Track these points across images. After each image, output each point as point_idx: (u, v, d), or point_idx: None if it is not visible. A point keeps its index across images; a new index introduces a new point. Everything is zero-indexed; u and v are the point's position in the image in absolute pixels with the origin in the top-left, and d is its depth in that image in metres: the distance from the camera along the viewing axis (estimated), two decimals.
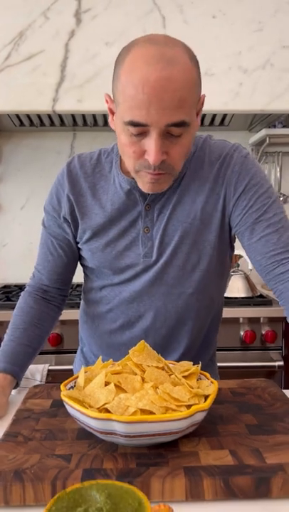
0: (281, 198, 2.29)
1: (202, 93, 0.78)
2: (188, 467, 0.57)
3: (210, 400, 0.62)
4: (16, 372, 0.86)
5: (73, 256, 0.96)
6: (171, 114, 0.69)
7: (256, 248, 0.83)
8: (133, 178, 0.84)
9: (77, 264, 0.99)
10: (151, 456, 0.60)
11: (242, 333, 1.74)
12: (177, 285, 0.89)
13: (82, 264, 0.99)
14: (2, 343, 0.91)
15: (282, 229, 0.82)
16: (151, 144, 0.72)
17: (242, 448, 0.61)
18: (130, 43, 0.74)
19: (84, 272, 1.00)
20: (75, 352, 1.13)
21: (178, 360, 0.86)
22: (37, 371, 1.63)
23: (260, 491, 0.55)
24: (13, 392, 1.64)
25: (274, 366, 1.72)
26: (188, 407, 0.61)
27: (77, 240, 0.93)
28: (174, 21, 1.81)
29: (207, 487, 0.55)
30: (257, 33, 1.82)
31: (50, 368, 1.65)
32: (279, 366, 1.71)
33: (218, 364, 1.66)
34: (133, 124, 0.71)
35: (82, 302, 1.05)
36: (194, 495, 0.55)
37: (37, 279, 0.98)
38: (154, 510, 0.47)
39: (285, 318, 1.73)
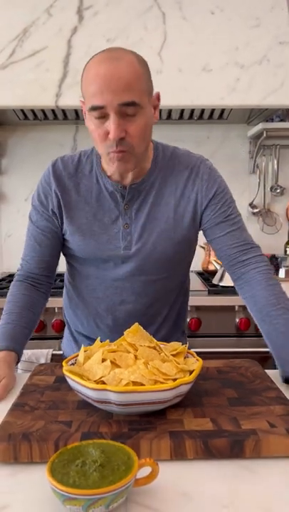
0: (278, 190, 2.35)
1: (157, 91, 0.95)
2: (173, 431, 0.65)
3: (194, 374, 0.70)
4: (18, 350, 0.96)
5: (59, 245, 1.06)
6: (121, 95, 0.85)
7: (222, 240, 1.01)
8: (112, 179, 0.99)
9: (60, 252, 1.09)
10: (142, 423, 0.68)
11: (237, 320, 1.82)
12: (154, 273, 1.03)
13: (66, 254, 1.09)
14: None
15: (242, 227, 1.03)
16: (110, 122, 0.87)
17: (222, 416, 0.70)
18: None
19: (67, 261, 1.11)
20: None
21: (155, 333, 1.05)
22: (42, 355, 1.72)
23: (235, 451, 0.63)
24: (19, 371, 1.74)
25: (267, 352, 1.78)
26: (175, 380, 0.69)
27: (63, 231, 1.03)
28: (174, 17, 1.86)
29: (189, 448, 0.63)
30: (254, 29, 1.87)
31: (54, 352, 1.74)
32: None
33: (214, 349, 1.76)
34: (93, 108, 0.87)
35: (64, 290, 1.17)
36: (178, 454, 0.63)
37: (25, 268, 1.07)
38: (141, 462, 0.56)
39: None
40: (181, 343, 0.81)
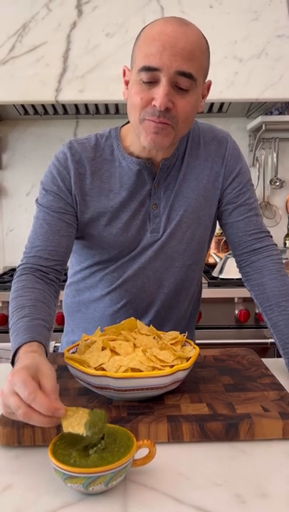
0: (277, 183, 2.37)
1: (209, 79, 0.89)
2: (170, 415, 0.68)
3: (190, 361, 0.73)
4: (43, 341, 0.75)
5: (73, 237, 0.94)
6: (182, 62, 0.77)
7: (239, 226, 0.98)
8: (140, 158, 0.91)
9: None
10: (140, 408, 0.71)
11: (237, 312, 1.85)
12: (179, 257, 0.96)
13: (79, 251, 0.99)
14: (11, 327, 0.78)
15: (259, 213, 1.00)
16: (159, 89, 0.78)
17: (217, 401, 0.72)
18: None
19: (76, 259, 1.01)
20: None
21: (174, 328, 1.00)
22: None
23: (230, 434, 0.66)
24: None
25: (266, 343, 1.82)
26: (172, 367, 0.71)
27: (81, 223, 0.93)
28: (172, 11, 1.87)
29: (185, 430, 0.66)
30: (252, 23, 1.87)
31: (57, 344, 1.76)
32: (271, 343, 1.81)
33: (214, 341, 1.79)
34: (146, 68, 0.78)
35: (68, 292, 1.06)
36: (175, 437, 0.66)
37: (33, 261, 0.91)
38: (139, 443, 0.58)
39: None
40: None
